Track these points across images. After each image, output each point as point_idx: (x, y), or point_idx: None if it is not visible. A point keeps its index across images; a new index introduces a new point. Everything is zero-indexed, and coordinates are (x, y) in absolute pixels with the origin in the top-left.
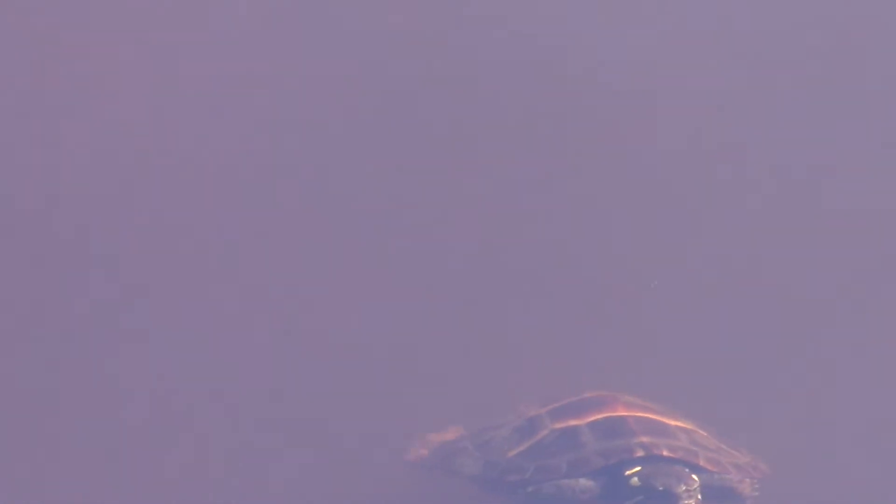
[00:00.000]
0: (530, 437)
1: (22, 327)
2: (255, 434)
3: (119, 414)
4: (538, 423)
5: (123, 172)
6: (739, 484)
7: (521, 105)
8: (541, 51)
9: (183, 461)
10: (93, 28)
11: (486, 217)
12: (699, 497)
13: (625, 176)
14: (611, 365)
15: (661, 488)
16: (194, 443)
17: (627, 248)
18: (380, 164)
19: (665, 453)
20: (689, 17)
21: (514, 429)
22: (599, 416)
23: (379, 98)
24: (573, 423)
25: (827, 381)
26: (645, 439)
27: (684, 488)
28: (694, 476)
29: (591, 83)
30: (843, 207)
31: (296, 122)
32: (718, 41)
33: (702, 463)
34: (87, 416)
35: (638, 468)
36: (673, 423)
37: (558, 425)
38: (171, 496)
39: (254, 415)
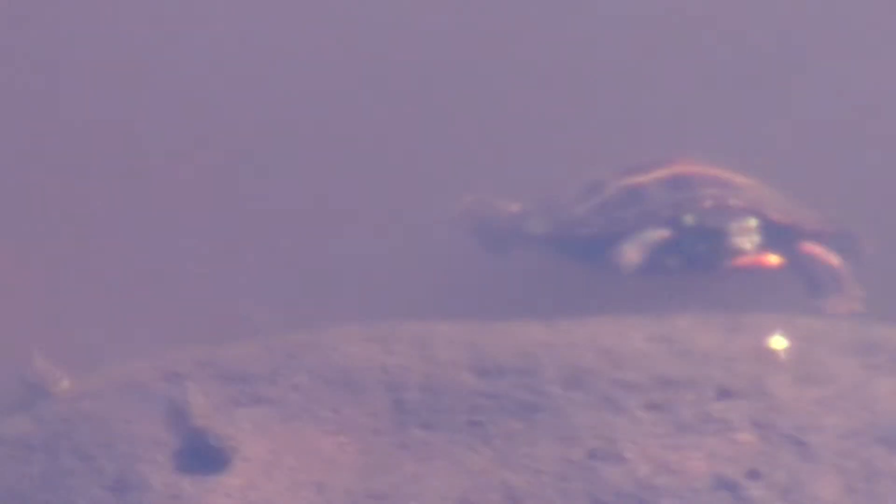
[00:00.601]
0: (596, 195)
1: None
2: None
3: None
4: (603, 183)
5: None
6: (811, 237)
7: None
8: None
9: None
10: None
11: None
12: (756, 239)
13: None
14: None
15: (713, 226)
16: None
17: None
18: None
19: (732, 202)
20: None
21: (578, 190)
22: (665, 173)
23: None
24: (639, 179)
25: None
26: (713, 191)
27: (737, 226)
28: (752, 219)
29: None
30: None
31: None
32: None
33: (770, 213)
34: None
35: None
36: (741, 179)
37: (624, 182)
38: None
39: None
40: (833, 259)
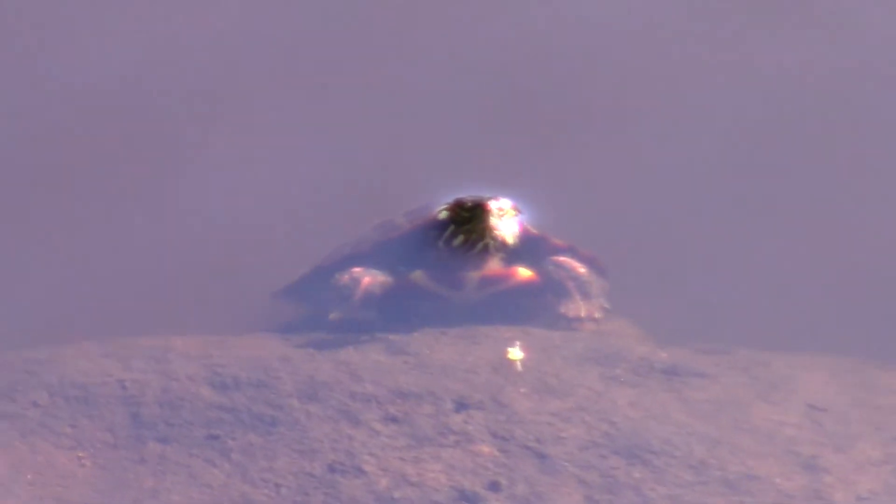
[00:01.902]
0: (357, 234)
1: None
2: None
3: None
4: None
5: None
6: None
7: None
8: None
9: None
10: None
11: None
12: (514, 227)
13: None
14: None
15: (469, 204)
16: None
17: None
18: None
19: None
20: None
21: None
22: (417, 206)
23: None
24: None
25: None
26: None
27: (496, 205)
28: (507, 200)
29: None
30: None
31: None
32: None
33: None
34: None
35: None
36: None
37: (382, 219)
38: None
39: None
40: (580, 268)
